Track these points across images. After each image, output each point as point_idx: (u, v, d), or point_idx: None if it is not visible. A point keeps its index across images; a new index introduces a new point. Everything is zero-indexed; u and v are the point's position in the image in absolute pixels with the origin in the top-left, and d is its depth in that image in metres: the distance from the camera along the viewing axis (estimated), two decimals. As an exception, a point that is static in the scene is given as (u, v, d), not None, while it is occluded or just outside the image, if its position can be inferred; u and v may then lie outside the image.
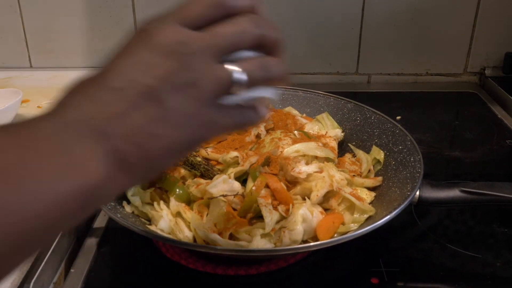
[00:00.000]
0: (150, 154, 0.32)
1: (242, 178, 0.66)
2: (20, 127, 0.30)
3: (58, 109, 0.32)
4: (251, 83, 0.36)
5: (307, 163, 0.69)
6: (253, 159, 0.68)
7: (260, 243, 0.58)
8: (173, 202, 0.64)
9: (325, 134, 0.80)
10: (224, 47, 0.35)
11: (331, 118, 0.84)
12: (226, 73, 0.35)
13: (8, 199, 0.26)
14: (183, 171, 0.68)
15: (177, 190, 0.65)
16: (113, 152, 0.31)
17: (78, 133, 0.30)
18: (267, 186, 0.63)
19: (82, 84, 0.33)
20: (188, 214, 0.62)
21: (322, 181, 0.65)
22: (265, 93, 0.39)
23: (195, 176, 0.69)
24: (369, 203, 0.67)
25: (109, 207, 0.60)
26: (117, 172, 0.31)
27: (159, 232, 0.61)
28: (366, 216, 0.63)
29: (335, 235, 0.61)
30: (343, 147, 0.82)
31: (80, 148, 0.30)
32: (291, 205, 0.62)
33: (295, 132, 0.78)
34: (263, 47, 0.37)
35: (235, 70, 0.35)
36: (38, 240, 0.29)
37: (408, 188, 0.63)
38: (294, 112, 0.87)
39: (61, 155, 0.29)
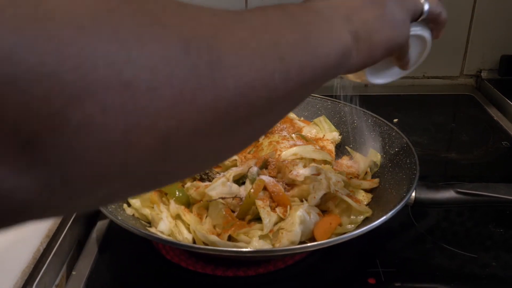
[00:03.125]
0: (372, 42, 0.43)
1: (240, 181, 0.67)
2: (294, 6, 0.39)
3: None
4: (430, 16, 0.50)
5: (304, 166, 0.70)
6: (252, 162, 0.69)
7: (258, 244, 0.58)
8: (172, 204, 0.65)
9: (323, 137, 0.81)
10: None
11: (328, 121, 0.85)
12: (422, 3, 0.49)
13: (308, 47, 0.35)
14: (182, 174, 0.69)
15: (177, 192, 0.66)
16: (353, 32, 0.41)
17: (332, 14, 0.40)
18: (265, 188, 0.64)
19: None
20: (188, 216, 0.63)
21: (319, 184, 0.66)
22: (426, 33, 0.52)
23: (194, 179, 0.69)
24: (366, 205, 0.67)
25: (109, 209, 0.61)
26: (353, 48, 0.41)
27: (159, 234, 0.61)
28: (363, 217, 0.64)
29: (332, 236, 0.62)
30: (340, 150, 0.83)
31: (336, 23, 0.40)
32: (288, 207, 0.63)
33: (293, 135, 0.79)
34: None
35: (427, 3, 0.49)
36: (313, 84, 0.36)
37: (404, 190, 0.64)
38: (292, 115, 0.88)
39: (329, 24, 0.39)
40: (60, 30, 0.19)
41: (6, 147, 0.19)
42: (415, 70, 1.25)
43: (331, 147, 0.78)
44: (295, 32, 0.34)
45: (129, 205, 0.67)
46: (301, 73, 0.33)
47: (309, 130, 0.83)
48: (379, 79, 0.54)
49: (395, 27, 0.45)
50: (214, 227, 0.62)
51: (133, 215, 0.66)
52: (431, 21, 0.51)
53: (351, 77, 0.54)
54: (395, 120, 1.02)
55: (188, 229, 0.62)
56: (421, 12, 0.49)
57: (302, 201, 0.65)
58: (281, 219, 0.62)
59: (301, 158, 0.72)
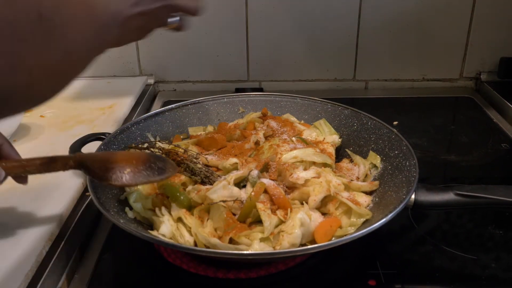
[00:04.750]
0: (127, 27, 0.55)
1: (241, 184, 0.68)
2: None
3: None
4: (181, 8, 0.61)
5: (305, 169, 0.70)
6: (252, 166, 0.69)
7: (259, 247, 0.59)
8: (174, 207, 0.65)
9: (323, 140, 0.81)
10: None
11: (328, 124, 0.86)
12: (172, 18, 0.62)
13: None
14: (183, 178, 0.70)
15: (178, 196, 0.66)
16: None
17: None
18: (265, 191, 0.65)
19: None
20: (189, 219, 0.63)
21: (320, 186, 0.66)
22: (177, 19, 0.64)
23: (195, 182, 0.70)
24: (366, 207, 0.68)
25: (111, 213, 0.62)
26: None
27: (160, 237, 0.62)
28: (363, 219, 0.64)
29: (333, 239, 0.62)
30: (340, 153, 0.84)
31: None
32: (289, 209, 0.63)
33: (293, 138, 0.79)
34: None
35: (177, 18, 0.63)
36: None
37: (404, 192, 0.64)
38: (292, 118, 0.89)
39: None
40: None
41: None
42: (414, 72, 1.26)
43: (331, 150, 0.79)
44: None
45: (131, 208, 0.67)
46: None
47: (309, 133, 0.83)
48: None
49: (154, 14, 0.58)
50: (216, 230, 0.62)
51: (135, 218, 0.66)
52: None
53: None
54: (395, 122, 1.02)
55: (189, 232, 0.63)
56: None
57: (302, 203, 0.66)
58: (281, 222, 0.62)
59: (302, 161, 0.72)
